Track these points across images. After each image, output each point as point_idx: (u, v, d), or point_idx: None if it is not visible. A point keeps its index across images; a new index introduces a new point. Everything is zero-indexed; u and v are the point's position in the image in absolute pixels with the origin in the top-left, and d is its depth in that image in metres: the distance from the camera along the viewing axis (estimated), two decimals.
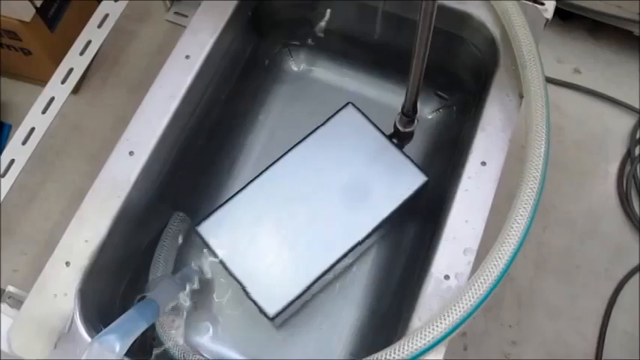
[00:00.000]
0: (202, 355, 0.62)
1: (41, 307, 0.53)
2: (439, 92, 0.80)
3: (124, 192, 0.58)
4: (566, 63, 1.11)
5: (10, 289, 0.56)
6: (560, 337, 0.91)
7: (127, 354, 0.49)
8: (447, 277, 0.54)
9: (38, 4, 0.91)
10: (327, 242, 0.64)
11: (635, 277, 0.94)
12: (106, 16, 0.73)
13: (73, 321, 0.53)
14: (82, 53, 0.71)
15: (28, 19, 0.90)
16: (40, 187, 0.99)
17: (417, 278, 0.58)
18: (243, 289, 0.62)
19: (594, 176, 1.02)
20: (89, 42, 0.71)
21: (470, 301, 0.49)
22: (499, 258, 0.50)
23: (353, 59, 0.82)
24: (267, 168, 0.68)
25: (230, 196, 0.67)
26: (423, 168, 0.67)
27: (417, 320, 0.52)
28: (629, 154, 1.03)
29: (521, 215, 0.51)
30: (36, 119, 0.67)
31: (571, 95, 1.08)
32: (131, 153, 0.59)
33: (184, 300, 0.63)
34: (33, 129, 0.66)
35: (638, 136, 1.05)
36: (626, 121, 1.06)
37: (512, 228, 0.51)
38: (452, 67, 0.74)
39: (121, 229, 0.58)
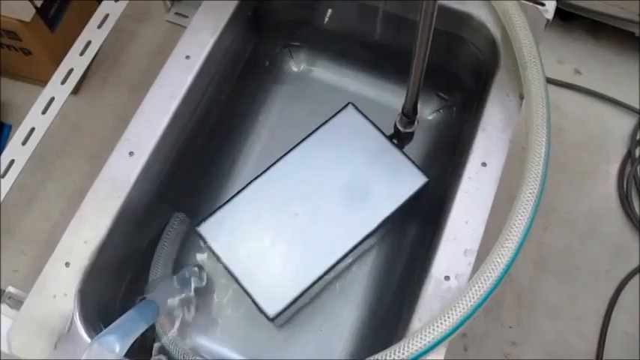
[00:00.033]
0: (202, 356, 0.62)
1: (41, 307, 0.53)
2: (439, 93, 0.80)
3: (124, 192, 0.58)
4: (567, 64, 1.11)
5: (10, 289, 0.56)
6: (560, 338, 0.90)
7: (126, 355, 0.49)
8: (447, 277, 0.54)
9: (38, 4, 0.91)
10: (327, 243, 0.64)
11: (636, 278, 0.94)
12: (107, 16, 0.73)
13: (72, 321, 0.53)
14: (82, 53, 0.71)
15: (28, 19, 0.90)
16: (40, 187, 0.99)
17: (418, 279, 0.58)
18: (244, 289, 0.62)
19: (595, 177, 1.02)
20: (89, 42, 0.71)
21: (470, 301, 0.49)
22: (499, 259, 0.50)
23: (353, 59, 0.82)
24: (267, 168, 0.68)
25: (230, 196, 0.67)
26: (423, 169, 0.67)
27: (418, 321, 0.52)
28: (629, 154, 1.03)
29: (522, 216, 0.51)
30: (36, 119, 0.67)
31: (572, 96, 1.08)
32: (131, 153, 0.59)
33: (184, 301, 0.63)
34: (33, 129, 0.66)
35: (638, 137, 1.04)
36: (627, 122, 1.06)
37: (512, 229, 0.51)
38: (452, 67, 0.74)
39: (120, 229, 0.58)
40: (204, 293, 0.68)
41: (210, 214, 0.66)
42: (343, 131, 0.69)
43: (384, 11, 0.70)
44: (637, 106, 1.07)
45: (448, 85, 0.78)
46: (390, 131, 0.69)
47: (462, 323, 0.49)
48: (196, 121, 0.68)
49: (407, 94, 0.61)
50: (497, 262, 0.50)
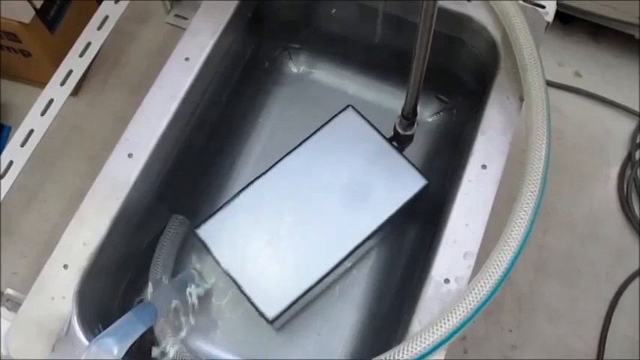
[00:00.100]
0: (200, 359, 0.62)
1: (39, 309, 0.53)
2: (439, 95, 0.80)
3: (124, 193, 0.58)
4: (567, 66, 1.11)
5: (9, 291, 0.55)
6: (560, 341, 0.90)
7: (125, 357, 0.49)
8: (447, 280, 0.53)
9: (38, 5, 0.91)
10: (326, 245, 0.64)
11: (636, 281, 0.94)
12: (106, 17, 0.72)
13: (70, 324, 0.53)
14: (81, 55, 0.71)
15: (27, 20, 0.90)
16: (39, 188, 0.99)
17: (417, 281, 0.58)
18: (242, 291, 0.62)
19: (595, 179, 1.02)
20: (89, 44, 0.71)
21: (470, 304, 0.48)
22: (499, 262, 0.49)
23: (353, 61, 0.82)
24: (266, 171, 0.68)
25: (229, 198, 0.67)
26: (422, 171, 0.67)
27: (417, 324, 0.52)
28: (629, 157, 1.03)
29: (522, 218, 0.51)
30: (35, 121, 0.67)
31: (572, 98, 1.09)
32: (131, 154, 0.59)
33: (183, 303, 0.63)
34: (32, 131, 0.66)
35: (638, 140, 1.04)
36: (627, 125, 1.06)
37: (512, 231, 0.50)
38: (452, 69, 0.74)
39: (120, 230, 0.58)
40: (202, 295, 0.67)
41: (209, 216, 0.66)
42: (343, 133, 0.69)
43: (384, 13, 0.70)
44: (637, 109, 1.07)
45: (448, 88, 0.78)
46: (389, 134, 0.69)
47: (461, 326, 0.48)
48: (196, 121, 0.68)
49: (407, 96, 0.61)
50: (497, 264, 0.49)
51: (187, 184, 0.72)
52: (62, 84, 0.69)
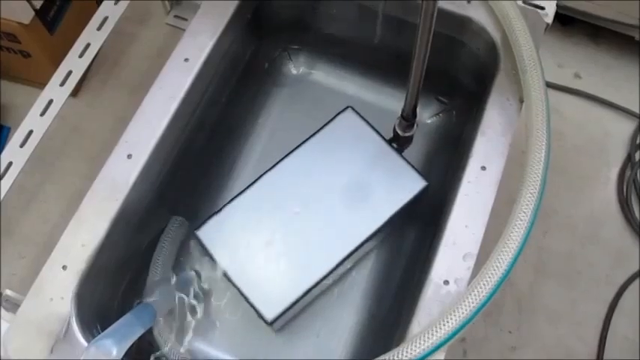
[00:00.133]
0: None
1: (38, 310, 0.53)
2: (439, 96, 0.80)
3: (123, 194, 0.58)
4: (567, 68, 1.11)
5: (8, 292, 0.55)
6: (560, 343, 0.90)
7: (124, 358, 0.49)
8: (446, 282, 0.53)
9: (37, 5, 0.91)
10: (326, 246, 0.64)
11: (636, 283, 0.94)
12: (106, 18, 0.72)
13: (69, 325, 0.52)
14: (81, 56, 0.71)
15: (27, 21, 0.90)
16: (39, 188, 0.99)
17: (417, 283, 0.58)
18: (241, 293, 0.62)
19: (595, 181, 1.02)
20: (88, 44, 0.71)
21: (469, 306, 0.48)
22: (499, 263, 0.49)
23: (353, 62, 0.82)
24: (265, 172, 0.68)
25: (229, 199, 0.67)
26: (422, 173, 0.67)
27: (417, 325, 0.52)
28: (629, 158, 1.03)
29: (522, 220, 0.51)
30: (34, 122, 0.67)
31: (571, 100, 1.08)
32: (130, 155, 0.59)
33: (182, 304, 0.63)
34: (31, 131, 0.66)
35: (638, 141, 1.04)
36: (627, 126, 1.06)
37: (512, 233, 0.50)
38: (452, 71, 0.74)
39: (119, 231, 0.58)
40: (201, 297, 0.67)
41: (209, 218, 0.66)
42: (342, 135, 0.69)
43: (383, 14, 0.70)
44: (637, 110, 1.07)
45: (448, 89, 0.78)
46: (389, 135, 0.69)
47: (461, 328, 0.48)
48: (196, 122, 0.68)
49: (406, 97, 0.61)
50: (497, 266, 0.49)
51: (187, 185, 0.72)
52: (62, 85, 0.69)
